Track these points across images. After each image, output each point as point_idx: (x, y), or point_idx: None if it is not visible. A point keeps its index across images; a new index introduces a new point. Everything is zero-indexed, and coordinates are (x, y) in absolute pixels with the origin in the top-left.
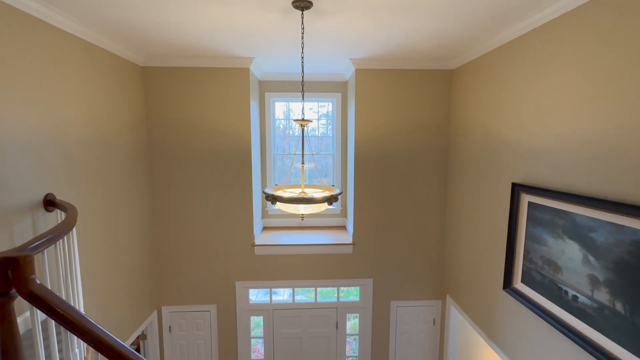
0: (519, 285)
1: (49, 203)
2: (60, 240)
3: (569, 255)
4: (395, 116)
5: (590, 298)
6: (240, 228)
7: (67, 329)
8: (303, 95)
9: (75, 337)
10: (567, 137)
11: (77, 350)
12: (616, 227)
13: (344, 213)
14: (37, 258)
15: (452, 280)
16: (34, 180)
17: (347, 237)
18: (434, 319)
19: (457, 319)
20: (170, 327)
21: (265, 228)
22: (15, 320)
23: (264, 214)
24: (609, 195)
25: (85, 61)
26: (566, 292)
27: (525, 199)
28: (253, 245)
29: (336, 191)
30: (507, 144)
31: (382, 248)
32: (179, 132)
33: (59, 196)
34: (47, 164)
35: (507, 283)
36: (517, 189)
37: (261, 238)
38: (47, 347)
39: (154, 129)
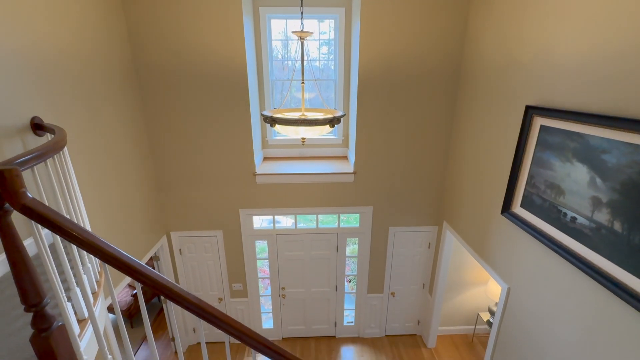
0: (517, 209)
1: (37, 127)
2: (52, 159)
3: (575, 179)
4: (403, 36)
5: (589, 219)
6: (240, 157)
7: (65, 238)
8: (302, 2)
9: (85, 253)
10: (587, 54)
11: (89, 265)
12: (631, 147)
13: (345, 143)
14: (27, 175)
15: (450, 207)
16: (19, 103)
17: (348, 167)
18: (429, 243)
19: (451, 243)
20: (180, 250)
21: (266, 158)
22: (17, 233)
23: (264, 144)
24: (627, 114)
25: None
26: (565, 214)
27: (538, 122)
28: (254, 174)
29: (338, 113)
30: (524, 66)
31: (383, 177)
32: (168, 54)
33: (48, 122)
34: (30, 86)
35: (506, 207)
36: (530, 112)
37: (262, 168)
38: (59, 265)
39: (142, 50)
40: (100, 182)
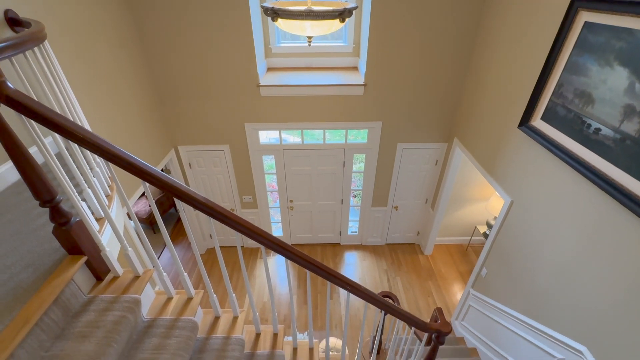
0: (537, 122)
1: (14, 22)
2: (32, 53)
3: (611, 85)
4: None
5: (615, 130)
6: (242, 66)
7: (54, 130)
8: None
9: (91, 157)
10: None
11: (97, 169)
12: None
13: (356, 52)
14: (9, 69)
15: (462, 123)
16: None
17: (358, 78)
18: (437, 160)
19: (459, 160)
20: (189, 163)
21: (270, 69)
22: (10, 128)
23: (267, 52)
24: None
25: None
26: (589, 125)
27: (582, 18)
28: (258, 85)
29: (350, 5)
30: None
31: (395, 90)
32: None
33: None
34: None
35: (525, 120)
36: (576, 5)
37: (266, 79)
38: (68, 172)
39: None
40: (94, 93)
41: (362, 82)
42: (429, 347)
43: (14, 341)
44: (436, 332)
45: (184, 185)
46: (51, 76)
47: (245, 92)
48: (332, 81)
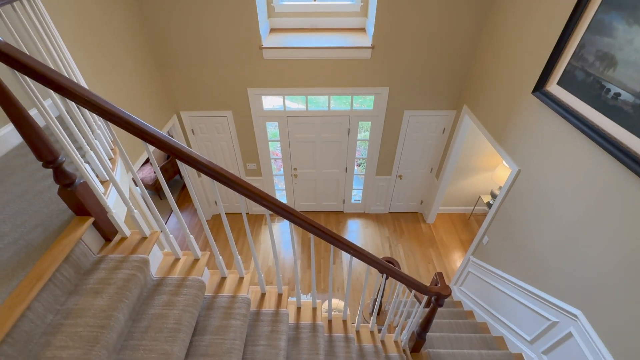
0: (552, 87)
1: None
2: (21, 5)
3: (637, 45)
4: None
5: (637, 94)
6: (243, 25)
7: (42, 83)
8: None
9: (90, 116)
10: None
11: (98, 132)
12: None
13: (364, 11)
14: None
15: (472, 89)
16: None
17: (366, 40)
18: (444, 128)
19: (467, 128)
20: (192, 130)
21: (273, 30)
22: (5, 85)
23: (270, 12)
24: None
25: None
26: (608, 90)
27: None
28: (260, 47)
29: None
30: None
31: (404, 53)
32: None
33: None
34: None
35: (540, 86)
36: None
37: (269, 40)
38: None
39: None
40: (91, 53)
41: (369, 45)
42: (427, 309)
43: (30, 294)
44: (436, 295)
45: (185, 146)
46: (42, 30)
47: (248, 55)
48: (339, 43)
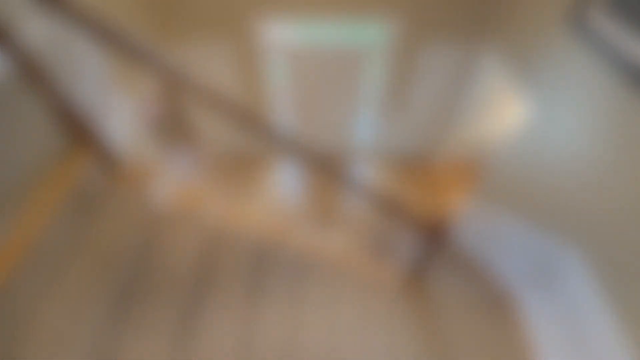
0: (593, 13)
1: None
2: None
3: None
4: None
5: None
6: None
7: None
8: None
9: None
10: None
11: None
12: None
13: None
14: None
15: (494, 25)
16: None
17: None
18: (459, 67)
19: (484, 67)
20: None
21: None
22: None
23: None
24: None
25: None
26: None
27: None
28: None
29: None
30: None
31: None
32: None
33: None
34: None
35: (577, 13)
36: None
37: None
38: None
39: None
40: None
41: None
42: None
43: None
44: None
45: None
46: None
47: None
48: None
